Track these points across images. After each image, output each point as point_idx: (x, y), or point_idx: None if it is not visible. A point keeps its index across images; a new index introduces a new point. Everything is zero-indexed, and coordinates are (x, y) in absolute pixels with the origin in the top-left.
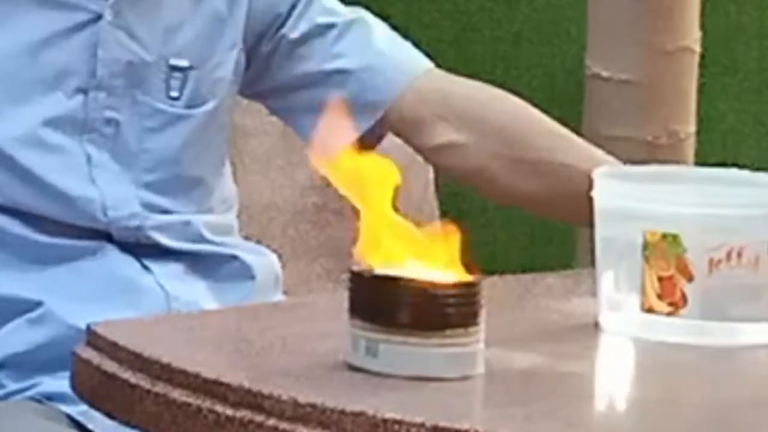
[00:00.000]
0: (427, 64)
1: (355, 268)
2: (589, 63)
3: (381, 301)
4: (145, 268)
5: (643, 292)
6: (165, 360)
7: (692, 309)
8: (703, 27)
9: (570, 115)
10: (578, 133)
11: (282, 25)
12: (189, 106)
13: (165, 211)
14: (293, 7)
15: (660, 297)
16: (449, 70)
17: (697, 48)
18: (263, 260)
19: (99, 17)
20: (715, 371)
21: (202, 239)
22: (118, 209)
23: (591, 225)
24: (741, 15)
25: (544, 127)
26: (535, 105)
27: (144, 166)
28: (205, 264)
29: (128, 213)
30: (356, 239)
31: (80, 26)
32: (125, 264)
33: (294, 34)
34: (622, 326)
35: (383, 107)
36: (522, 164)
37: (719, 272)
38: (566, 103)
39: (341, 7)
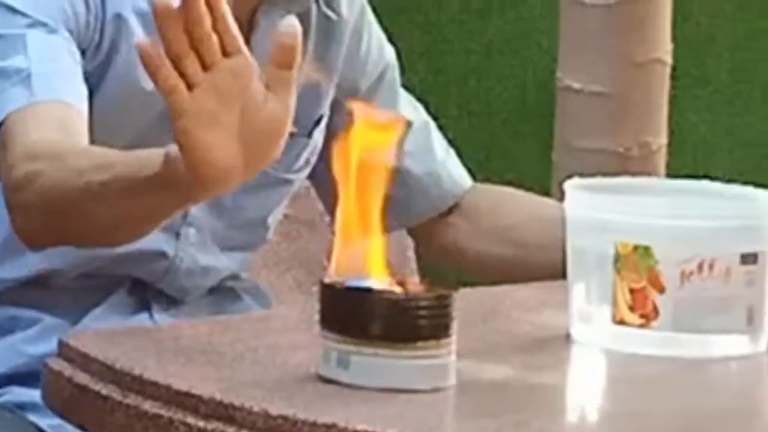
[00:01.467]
0: (469, 179)
1: (327, 279)
2: (561, 75)
3: (352, 313)
4: (147, 308)
5: (614, 303)
6: (136, 372)
7: (664, 321)
8: (674, 39)
9: (541, 127)
10: (550, 145)
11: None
12: (288, 171)
13: (232, 277)
14: (373, 88)
15: (632, 309)
16: (421, 81)
17: (669, 60)
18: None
19: None
20: (687, 383)
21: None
22: (189, 276)
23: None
24: (712, 27)
25: (516, 194)
26: (507, 117)
27: (234, 223)
28: (213, 299)
29: (193, 283)
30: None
31: None
32: (127, 303)
33: None
34: (593, 338)
35: (426, 217)
36: (496, 232)
37: (691, 284)
38: (538, 115)
39: (413, 101)
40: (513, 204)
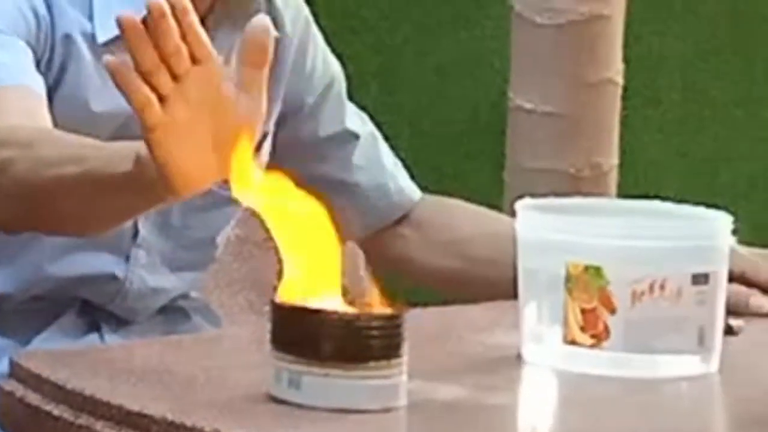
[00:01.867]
0: (418, 190)
1: (278, 299)
2: (512, 95)
3: (304, 333)
4: (97, 329)
5: (565, 324)
6: (88, 392)
7: (615, 341)
8: (625, 59)
9: (493, 147)
10: (501, 165)
11: (309, 116)
12: None
13: (182, 296)
14: (319, 102)
15: (583, 329)
16: (373, 101)
17: (620, 80)
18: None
19: None
20: (638, 403)
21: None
22: (139, 298)
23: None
24: (663, 47)
25: (469, 208)
26: (459, 137)
27: (183, 244)
28: (163, 319)
29: (143, 305)
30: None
31: None
32: (77, 325)
33: (323, 133)
34: (544, 358)
35: (375, 229)
36: (448, 246)
37: (642, 304)
38: (489, 135)
39: (360, 113)
40: (464, 218)
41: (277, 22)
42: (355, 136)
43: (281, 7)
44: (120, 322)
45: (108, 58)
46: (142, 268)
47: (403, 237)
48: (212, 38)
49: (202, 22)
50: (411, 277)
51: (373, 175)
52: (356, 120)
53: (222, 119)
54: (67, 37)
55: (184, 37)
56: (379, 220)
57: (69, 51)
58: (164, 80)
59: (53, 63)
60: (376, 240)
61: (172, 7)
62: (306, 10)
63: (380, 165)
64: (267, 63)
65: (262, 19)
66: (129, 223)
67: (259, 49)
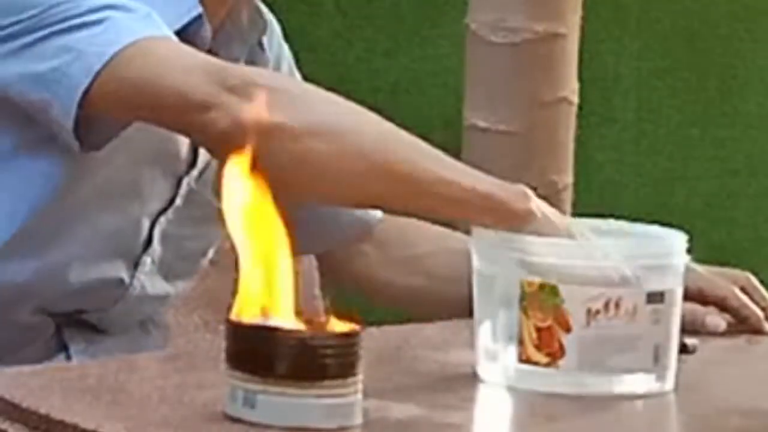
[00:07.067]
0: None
1: (233, 318)
2: (467, 114)
3: (259, 352)
4: (65, 347)
5: (520, 342)
6: (43, 411)
7: (570, 359)
8: (581, 78)
9: None
10: None
11: None
12: None
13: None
14: None
15: (538, 348)
16: None
17: (575, 99)
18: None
19: None
20: (593, 422)
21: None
22: (137, 304)
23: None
24: (619, 66)
25: (427, 226)
26: None
27: (181, 254)
28: (131, 336)
29: (135, 312)
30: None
31: None
32: (47, 350)
33: None
34: (499, 377)
35: (336, 244)
36: (407, 262)
37: (597, 323)
38: (444, 153)
39: None
40: (423, 235)
41: (261, 42)
42: None
43: None
44: (88, 341)
45: None
46: (145, 275)
47: (364, 254)
48: (225, 49)
49: (213, 37)
50: (371, 295)
51: None
52: None
53: None
54: None
55: None
56: (342, 236)
57: None
58: None
59: None
60: (337, 257)
61: None
62: (278, 29)
63: None
64: None
65: None
66: (144, 232)
67: None
